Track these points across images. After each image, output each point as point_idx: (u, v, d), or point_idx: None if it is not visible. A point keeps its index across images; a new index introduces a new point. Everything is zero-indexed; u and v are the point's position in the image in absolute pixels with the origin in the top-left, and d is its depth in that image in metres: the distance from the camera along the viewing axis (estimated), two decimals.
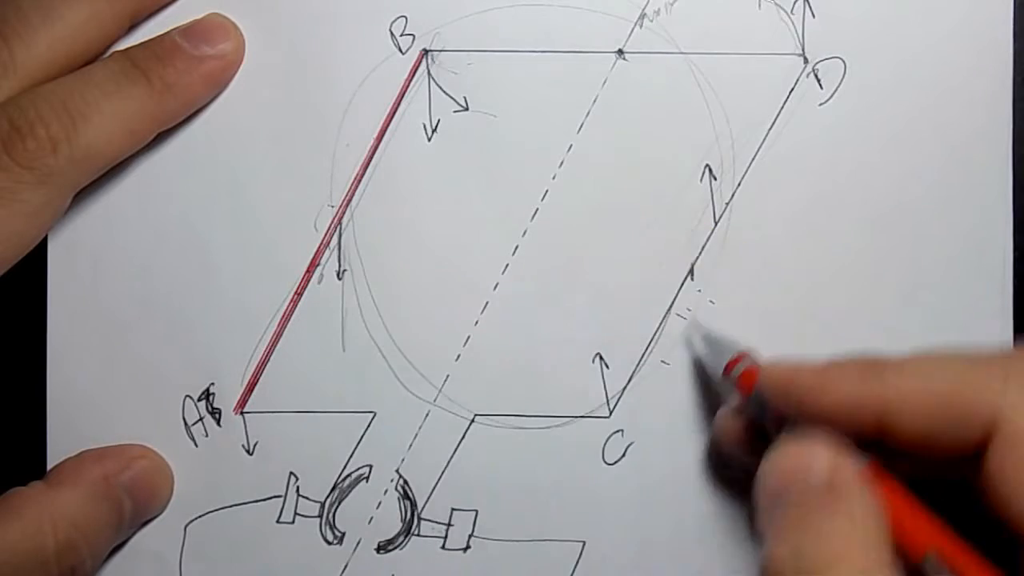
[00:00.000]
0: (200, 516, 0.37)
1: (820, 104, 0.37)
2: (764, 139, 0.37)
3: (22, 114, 0.33)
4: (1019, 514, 0.27)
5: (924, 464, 0.30)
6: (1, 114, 0.33)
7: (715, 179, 0.37)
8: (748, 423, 0.34)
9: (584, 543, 0.37)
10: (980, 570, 0.27)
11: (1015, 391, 0.28)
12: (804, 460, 0.29)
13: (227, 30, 0.36)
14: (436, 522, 0.37)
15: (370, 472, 0.37)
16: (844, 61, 0.37)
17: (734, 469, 0.36)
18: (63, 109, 0.33)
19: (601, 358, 0.37)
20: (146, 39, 0.36)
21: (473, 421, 0.37)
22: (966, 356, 0.29)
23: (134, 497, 0.36)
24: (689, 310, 0.37)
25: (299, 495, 0.37)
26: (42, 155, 0.33)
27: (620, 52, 0.37)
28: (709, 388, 0.37)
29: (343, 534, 0.37)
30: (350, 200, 0.37)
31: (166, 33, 0.36)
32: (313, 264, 0.37)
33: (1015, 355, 0.29)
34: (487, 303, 0.37)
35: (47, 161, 0.33)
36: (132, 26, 0.36)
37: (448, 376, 0.37)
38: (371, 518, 0.37)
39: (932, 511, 0.29)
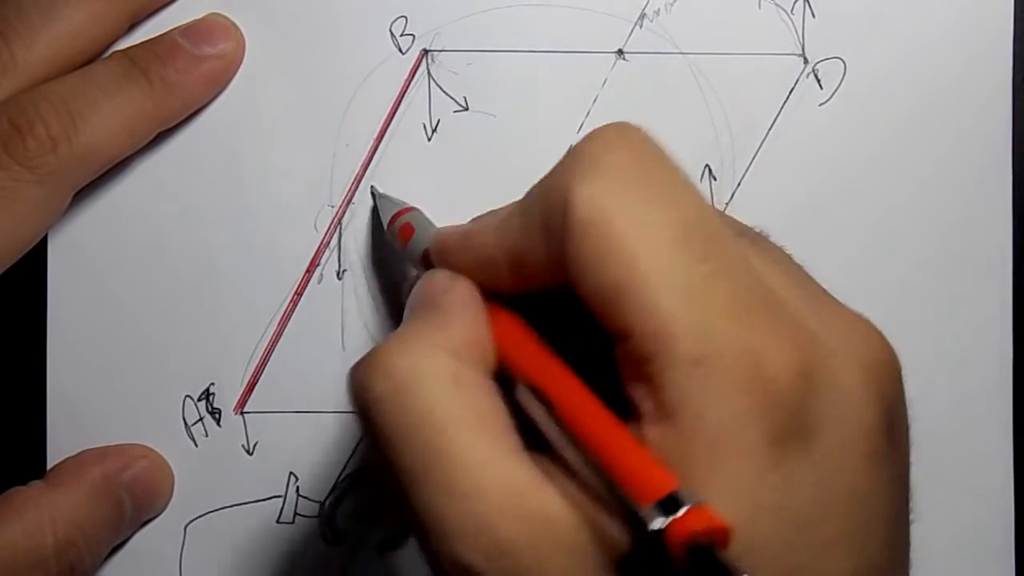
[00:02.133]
0: (200, 516, 0.37)
1: (820, 104, 0.37)
2: (764, 139, 0.37)
3: (22, 113, 0.33)
4: (597, 296, 0.26)
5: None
6: (1, 113, 0.33)
7: (715, 179, 0.37)
8: None
9: None
10: (571, 396, 0.26)
11: (580, 178, 0.26)
12: (425, 283, 0.30)
13: (227, 30, 0.36)
14: None
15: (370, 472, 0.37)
16: (844, 61, 0.37)
17: None
18: (63, 108, 0.33)
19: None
20: (146, 39, 0.36)
21: None
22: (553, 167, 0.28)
23: (134, 497, 0.36)
24: None
25: (299, 495, 0.37)
26: (42, 154, 0.33)
27: (620, 52, 0.37)
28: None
29: (343, 534, 0.37)
30: (350, 200, 0.37)
31: (166, 33, 0.36)
32: (313, 264, 0.37)
33: (584, 144, 0.28)
34: None
35: (47, 160, 0.33)
36: (132, 26, 0.36)
37: None
38: (371, 518, 0.37)
39: (545, 345, 0.28)
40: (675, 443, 0.24)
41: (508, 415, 0.26)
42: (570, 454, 0.25)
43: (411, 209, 0.35)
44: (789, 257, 0.30)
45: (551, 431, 0.26)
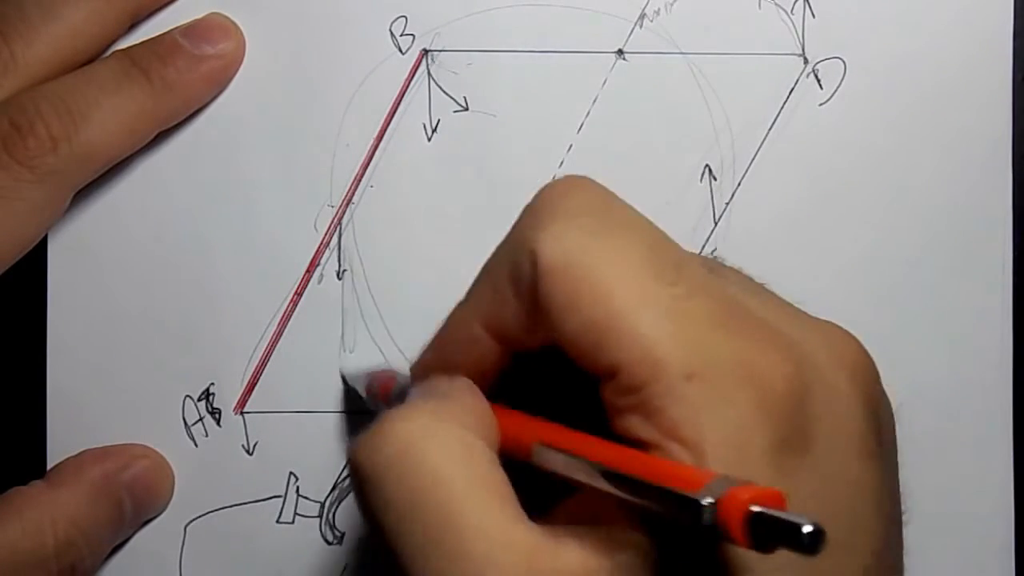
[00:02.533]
0: (200, 516, 0.37)
1: (820, 104, 0.37)
2: (764, 139, 0.37)
3: (23, 112, 0.33)
4: (578, 337, 0.26)
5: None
6: (1, 112, 0.33)
7: (715, 179, 0.37)
8: None
9: None
10: (582, 443, 0.26)
11: (541, 228, 0.26)
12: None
13: (228, 30, 0.36)
14: None
15: None
16: (844, 61, 0.37)
17: None
18: (64, 107, 0.33)
19: None
20: (146, 38, 0.36)
21: None
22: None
23: (134, 496, 0.36)
24: None
25: (299, 495, 0.37)
26: (42, 153, 0.33)
27: (620, 52, 0.37)
28: None
29: (343, 534, 0.37)
30: (350, 200, 0.37)
31: (167, 32, 0.36)
32: (313, 264, 0.37)
33: (538, 198, 0.28)
34: None
35: (47, 160, 0.33)
36: (132, 25, 0.36)
37: None
38: None
39: (538, 417, 0.28)
40: (683, 462, 0.24)
41: (510, 484, 0.26)
42: (602, 484, 0.25)
43: (382, 372, 0.35)
44: (747, 276, 0.30)
45: (578, 472, 0.26)
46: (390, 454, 0.25)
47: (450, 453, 0.25)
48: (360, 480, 0.26)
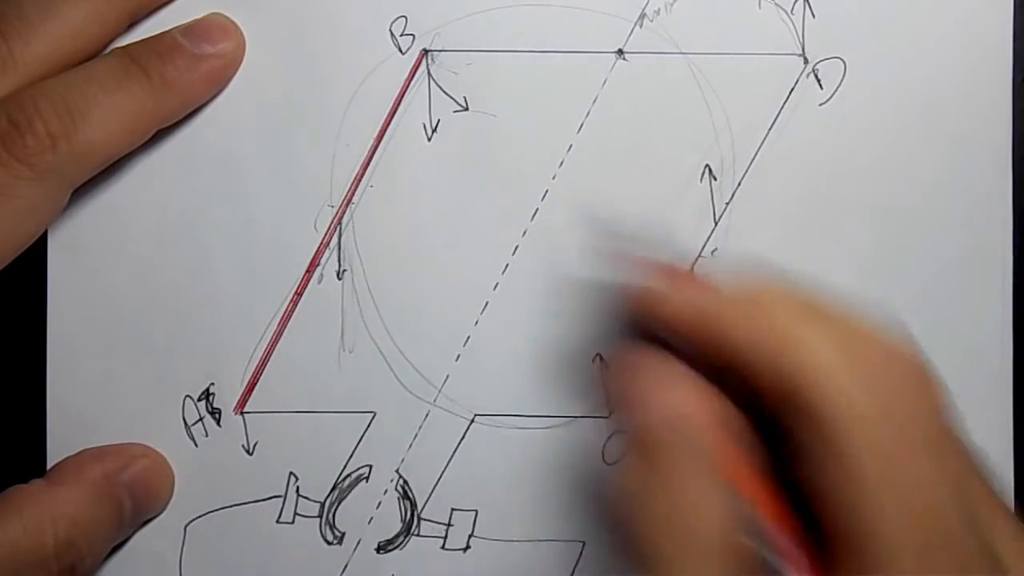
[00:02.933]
0: (200, 516, 0.37)
1: (820, 104, 0.37)
2: (764, 139, 0.37)
3: (21, 110, 0.33)
4: (828, 506, 0.26)
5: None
6: (1, 110, 0.33)
7: (715, 179, 0.37)
8: None
9: (584, 543, 0.37)
10: (792, 544, 0.26)
11: (825, 344, 0.25)
12: (666, 401, 0.28)
13: (228, 29, 0.36)
14: (436, 522, 0.37)
15: (370, 472, 0.37)
16: (844, 61, 0.37)
17: None
18: (62, 105, 0.33)
19: (601, 358, 0.37)
20: (146, 37, 0.36)
21: (473, 421, 0.37)
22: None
23: (134, 496, 0.36)
24: None
25: (299, 495, 0.37)
26: (41, 151, 0.33)
27: (620, 52, 0.37)
28: None
29: (343, 534, 0.37)
30: (350, 200, 0.37)
31: (167, 31, 0.36)
32: (313, 264, 0.37)
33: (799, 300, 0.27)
34: (487, 303, 0.37)
35: (46, 157, 0.33)
36: (132, 24, 0.36)
37: (448, 376, 0.37)
38: (371, 518, 0.37)
39: (759, 464, 0.27)
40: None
41: None
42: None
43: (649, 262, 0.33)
44: None
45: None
46: (701, 539, 0.26)
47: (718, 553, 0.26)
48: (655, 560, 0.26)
